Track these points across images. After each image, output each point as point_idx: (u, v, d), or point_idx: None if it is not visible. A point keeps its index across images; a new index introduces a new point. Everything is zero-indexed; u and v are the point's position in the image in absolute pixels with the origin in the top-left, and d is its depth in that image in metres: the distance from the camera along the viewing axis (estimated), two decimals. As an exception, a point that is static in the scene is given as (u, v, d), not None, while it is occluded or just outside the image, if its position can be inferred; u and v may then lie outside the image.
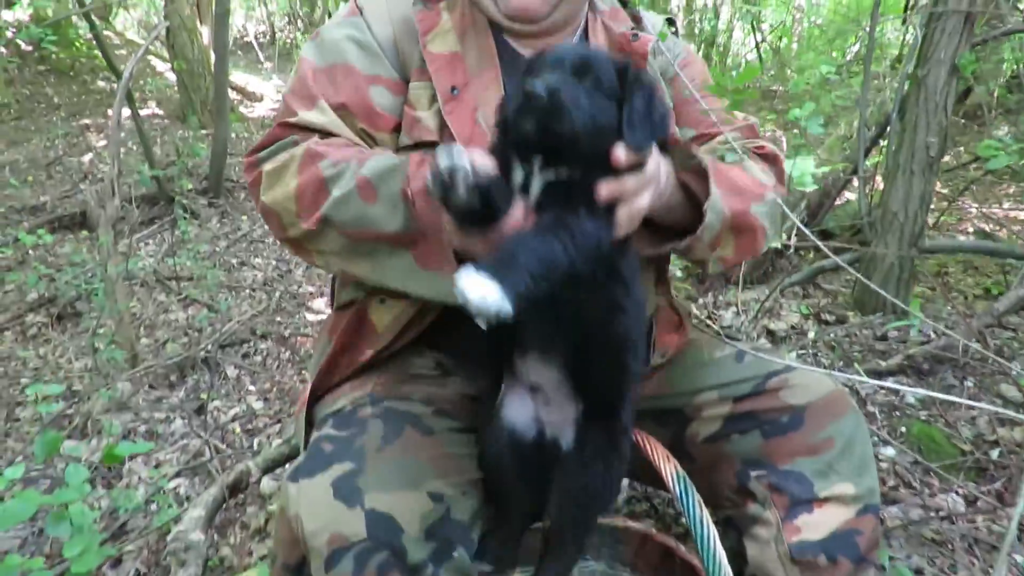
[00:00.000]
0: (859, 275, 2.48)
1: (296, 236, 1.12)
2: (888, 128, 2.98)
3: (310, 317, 3.86)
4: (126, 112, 5.11)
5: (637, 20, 1.37)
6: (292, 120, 1.15)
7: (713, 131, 1.30)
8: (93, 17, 4.41)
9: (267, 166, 1.13)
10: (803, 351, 2.53)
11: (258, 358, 3.43)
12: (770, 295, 2.75)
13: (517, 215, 0.91)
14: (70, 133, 7.08)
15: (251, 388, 3.13)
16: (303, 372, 3.23)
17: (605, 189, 0.92)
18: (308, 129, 1.14)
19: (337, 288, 1.35)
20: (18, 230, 4.89)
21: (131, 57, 7.86)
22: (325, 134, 1.14)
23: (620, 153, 0.91)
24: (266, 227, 1.22)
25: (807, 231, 1.08)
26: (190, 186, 5.56)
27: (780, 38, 11.51)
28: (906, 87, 2.87)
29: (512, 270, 0.78)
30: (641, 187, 0.96)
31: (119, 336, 3.20)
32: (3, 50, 7.74)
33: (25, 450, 2.77)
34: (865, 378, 1.45)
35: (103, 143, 6.66)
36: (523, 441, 1.10)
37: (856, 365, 2.28)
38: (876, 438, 2.05)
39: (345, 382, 1.26)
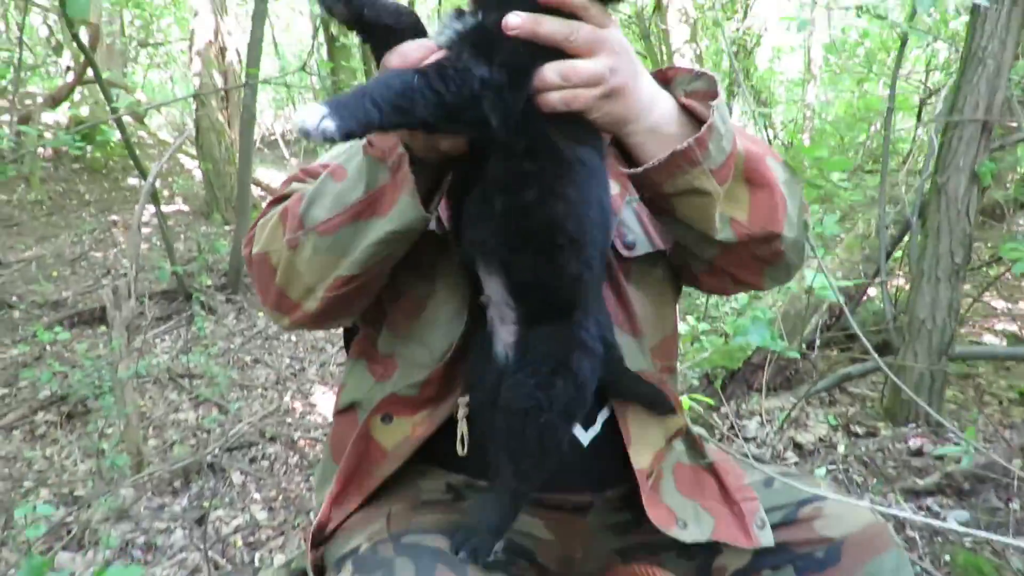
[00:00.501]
0: (893, 377, 2.37)
1: (281, 271, 1.03)
2: (908, 232, 2.93)
3: (320, 420, 3.78)
4: (151, 209, 5.24)
5: None
6: (283, 192, 1.12)
7: None
8: (125, 120, 4.58)
9: (258, 228, 1.09)
10: (833, 466, 2.40)
11: (265, 463, 3.34)
12: (796, 405, 2.64)
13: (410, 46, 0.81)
14: (97, 229, 7.26)
15: (256, 496, 3.03)
16: (310, 479, 3.13)
17: (515, 19, 0.77)
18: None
19: (338, 389, 1.29)
20: (38, 325, 4.95)
21: (160, 158, 8.16)
22: None
23: None
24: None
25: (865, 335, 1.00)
26: (209, 282, 5.62)
27: (792, 135, 11.77)
28: (924, 191, 2.85)
29: (355, 100, 0.72)
30: (590, 43, 0.79)
31: (126, 439, 3.14)
32: (41, 150, 8.08)
33: (20, 562, 2.66)
34: (907, 512, 1.34)
35: (129, 235, 6.81)
36: (494, 370, 0.98)
37: (895, 496, 2.14)
38: (918, 567, 1.89)
39: (354, 513, 1.17)
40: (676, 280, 1.23)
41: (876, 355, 1.77)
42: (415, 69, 0.77)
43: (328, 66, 6.20)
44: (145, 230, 7.12)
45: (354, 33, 0.85)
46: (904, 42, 2.82)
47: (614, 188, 1.13)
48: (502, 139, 0.82)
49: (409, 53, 0.81)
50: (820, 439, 2.58)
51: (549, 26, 0.78)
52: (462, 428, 1.05)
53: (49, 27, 8.18)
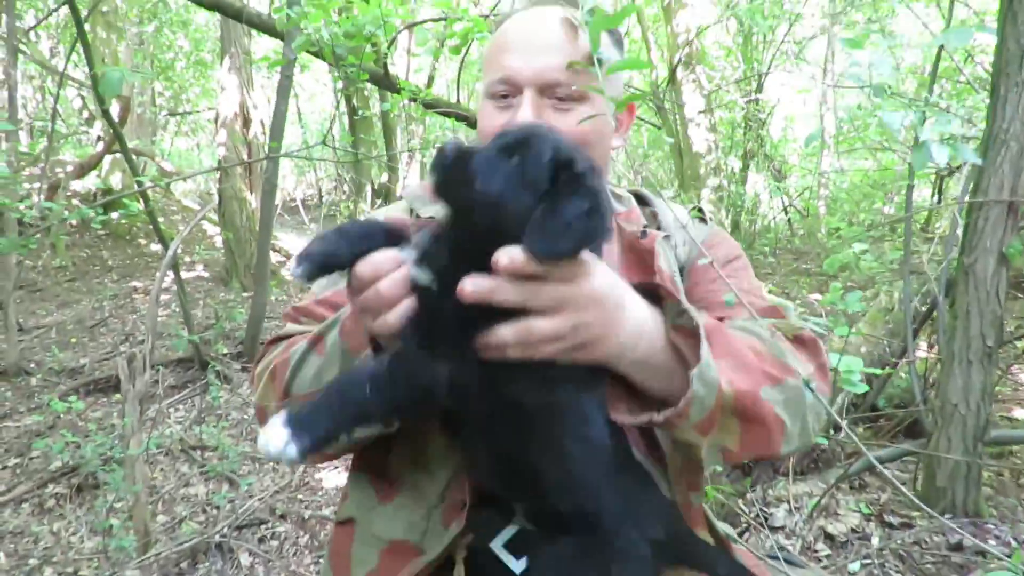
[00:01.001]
0: (926, 449, 2.26)
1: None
2: (935, 310, 2.87)
3: (334, 492, 3.69)
4: (171, 275, 5.28)
5: (655, 216, 1.33)
6: (281, 333, 1.20)
7: (733, 312, 1.13)
8: (149, 192, 4.68)
9: (258, 369, 1.16)
10: (868, 561, 2.27)
11: (275, 543, 3.24)
12: (826, 493, 2.53)
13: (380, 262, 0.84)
14: (118, 295, 7.34)
15: (265, 580, 2.93)
16: (319, 561, 3.03)
17: (471, 286, 0.76)
18: (292, 336, 1.18)
19: (341, 497, 1.27)
20: (55, 392, 4.94)
21: (183, 223, 8.29)
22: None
23: (503, 256, 0.74)
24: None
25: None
26: (225, 350, 5.61)
27: (807, 203, 11.80)
28: (950, 268, 2.80)
29: (315, 416, 0.80)
30: (552, 303, 0.78)
31: (134, 516, 3.07)
32: (66, 213, 8.25)
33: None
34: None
35: (148, 306, 6.86)
36: None
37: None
38: None
39: None
40: None
41: (912, 444, 1.68)
42: (368, 372, 0.83)
43: (349, 139, 6.35)
44: (164, 296, 7.19)
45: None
46: (923, 119, 2.81)
47: None
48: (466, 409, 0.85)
49: (380, 265, 0.84)
50: (852, 529, 2.46)
51: (504, 294, 0.76)
52: (459, 573, 1.01)
53: (82, 98, 8.48)
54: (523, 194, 0.76)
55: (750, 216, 11.17)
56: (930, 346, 3.75)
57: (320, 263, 0.83)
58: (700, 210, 1.36)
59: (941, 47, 2.57)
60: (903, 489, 1.51)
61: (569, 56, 1.11)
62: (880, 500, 2.67)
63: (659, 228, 1.28)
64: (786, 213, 11.47)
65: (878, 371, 2.65)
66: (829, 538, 2.43)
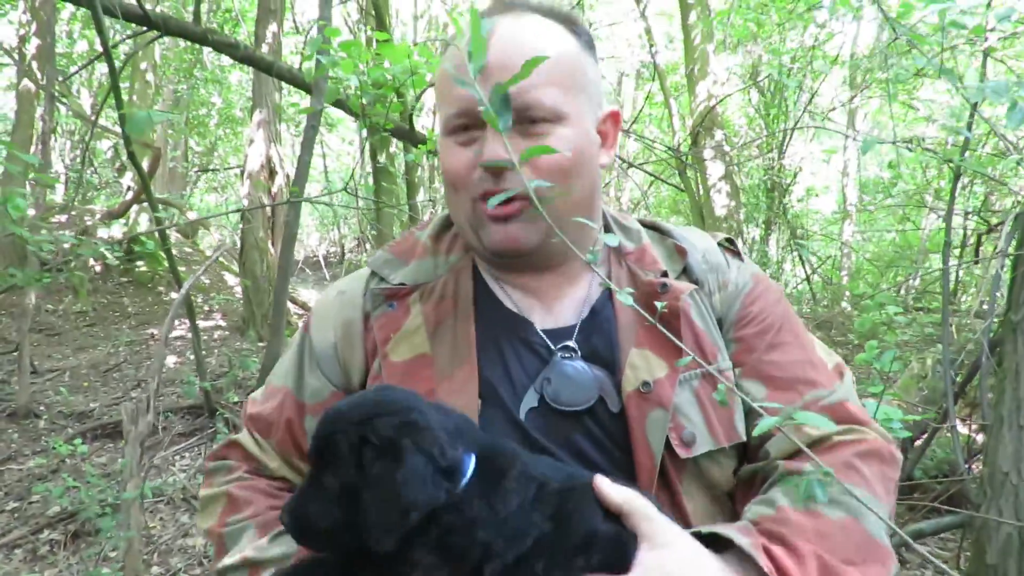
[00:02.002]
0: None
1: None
2: (978, 373, 2.71)
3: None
4: (188, 323, 5.25)
5: (681, 253, 1.09)
6: (235, 438, 1.14)
7: (790, 386, 1.00)
8: (175, 239, 4.69)
9: (203, 491, 1.12)
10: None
11: (271, 600, 3.07)
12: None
13: None
14: (135, 341, 7.33)
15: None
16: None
17: None
18: (246, 453, 1.12)
19: None
20: (62, 436, 4.85)
21: (195, 280, 8.34)
22: (257, 466, 1.11)
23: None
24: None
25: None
26: (236, 399, 5.52)
27: (832, 272, 11.68)
28: (992, 330, 2.66)
29: None
30: None
31: (126, 565, 2.93)
32: (92, 262, 8.36)
33: None
34: None
35: (165, 352, 6.84)
36: None
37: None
38: None
39: None
40: (738, 468, 1.02)
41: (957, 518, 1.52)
42: None
43: (371, 189, 6.39)
44: (180, 344, 7.16)
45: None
46: (957, 175, 2.73)
47: (660, 371, 0.99)
48: None
49: None
50: (896, 611, 2.25)
51: None
52: None
53: (115, 149, 8.71)
54: (354, 502, 0.80)
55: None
56: (969, 414, 3.56)
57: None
58: (731, 241, 1.16)
59: (975, 104, 2.51)
60: (946, 568, 1.36)
61: (540, 72, 0.90)
62: (923, 576, 2.46)
63: (685, 270, 1.07)
64: (808, 282, 11.34)
65: (909, 433, 2.49)
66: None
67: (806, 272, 11.34)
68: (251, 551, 0.99)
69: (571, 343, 1.03)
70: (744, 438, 0.99)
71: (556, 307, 1.07)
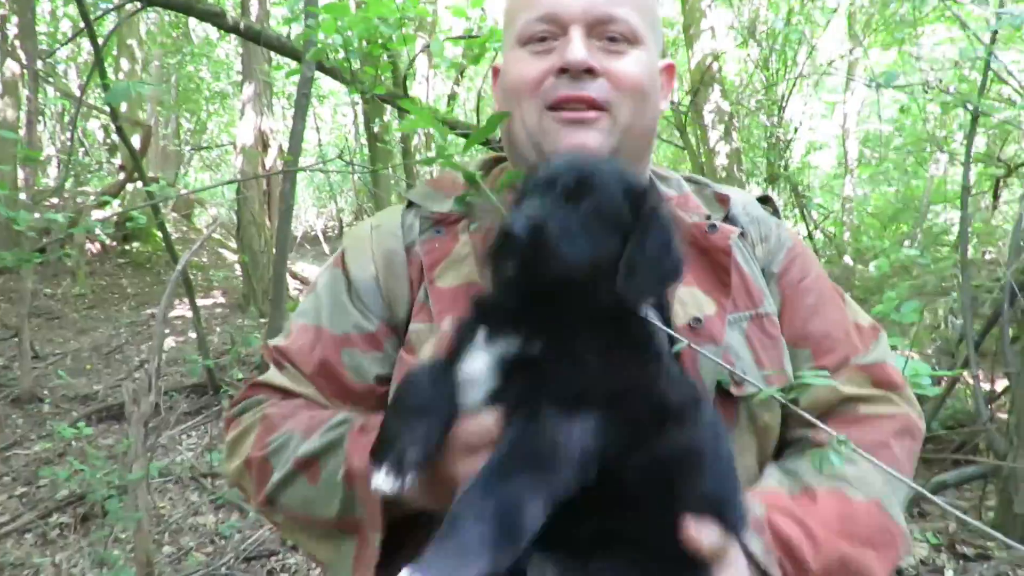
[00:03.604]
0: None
1: (258, 509, 1.00)
2: (999, 320, 2.64)
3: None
4: (188, 303, 5.19)
5: (723, 202, 1.11)
6: (262, 380, 1.06)
7: (835, 361, 1.01)
8: (171, 218, 4.61)
9: (229, 435, 1.04)
10: (942, 596, 2.03)
11: (284, 575, 3.05)
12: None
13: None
14: (135, 322, 7.28)
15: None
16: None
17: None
18: (274, 388, 1.04)
19: None
20: (66, 419, 4.82)
21: (202, 251, 8.24)
22: (291, 395, 1.03)
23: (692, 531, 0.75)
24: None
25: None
26: (240, 376, 5.48)
27: (835, 224, 11.57)
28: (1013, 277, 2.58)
29: (463, 556, 0.62)
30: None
31: (136, 546, 2.90)
32: (89, 245, 8.27)
33: None
34: None
35: (166, 331, 6.79)
36: None
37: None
38: None
39: None
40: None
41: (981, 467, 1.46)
42: (512, 469, 0.69)
43: (367, 157, 6.28)
44: (181, 323, 7.11)
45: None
46: (975, 118, 2.63)
47: (709, 308, 0.99)
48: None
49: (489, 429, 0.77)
50: (922, 562, 2.20)
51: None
52: None
53: (105, 129, 8.56)
54: (609, 241, 0.76)
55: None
56: (988, 365, 3.49)
57: (412, 463, 0.73)
58: (769, 199, 1.18)
59: (994, 34, 2.39)
60: (967, 519, 1.30)
61: None
62: (949, 530, 2.42)
63: (727, 218, 1.09)
64: (811, 238, 11.22)
65: (938, 390, 2.42)
66: (898, 572, 2.17)
67: (808, 229, 11.24)
68: (306, 448, 0.92)
69: None
70: (792, 380, 0.97)
71: None
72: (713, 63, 7.88)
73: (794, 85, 10.32)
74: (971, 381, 2.77)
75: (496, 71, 1.12)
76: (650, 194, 0.80)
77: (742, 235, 1.07)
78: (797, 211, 11.01)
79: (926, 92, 2.57)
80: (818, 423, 0.80)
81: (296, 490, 0.93)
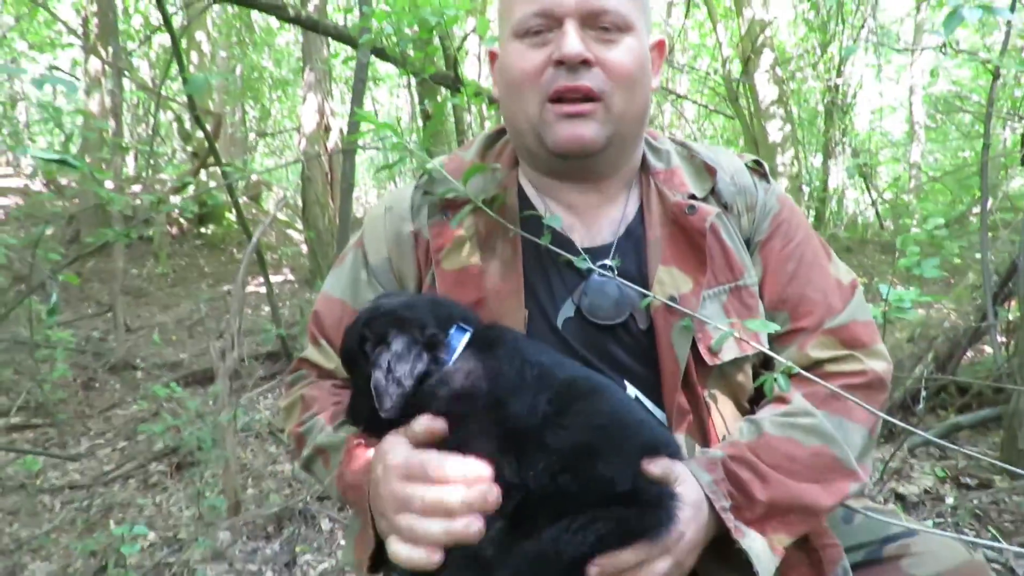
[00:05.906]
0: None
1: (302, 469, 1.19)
2: (1017, 271, 2.74)
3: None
4: (261, 279, 5.61)
5: (711, 171, 1.15)
6: (303, 354, 1.24)
7: (812, 323, 1.10)
8: (241, 201, 5.01)
9: (283, 402, 1.25)
10: (940, 519, 2.19)
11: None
12: (894, 453, 2.46)
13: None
14: (213, 298, 7.83)
15: (342, 542, 3.08)
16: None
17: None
18: (313, 365, 1.22)
19: None
20: (158, 383, 5.34)
21: (269, 232, 8.73)
22: (325, 372, 1.21)
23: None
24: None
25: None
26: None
27: (896, 194, 11.24)
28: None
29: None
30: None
31: (224, 484, 3.30)
32: (168, 228, 8.88)
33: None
34: (1005, 544, 1.22)
35: (234, 288, 7.30)
36: None
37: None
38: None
39: None
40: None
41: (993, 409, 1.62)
42: None
43: (422, 136, 6.59)
44: (254, 298, 7.62)
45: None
46: (996, 76, 2.71)
47: (685, 286, 1.07)
48: None
49: (473, 475, 0.86)
50: (926, 491, 2.37)
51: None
52: None
53: (179, 119, 9.12)
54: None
55: (835, 214, 10.64)
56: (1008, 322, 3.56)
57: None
58: (759, 163, 1.21)
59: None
60: (975, 453, 1.48)
61: None
62: (958, 466, 2.57)
63: (714, 190, 1.14)
64: (874, 206, 10.93)
65: (920, 314, 2.55)
66: (900, 499, 2.35)
67: (872, 198, 10.93)
68: (321, 438, 1.10)
69: (608, 261, 1.11)
70: (767, 347, 1.08)
71: (595, 226, 1.16)
72: (766, 29, 7.81)
73: (854, 45, 10.05)
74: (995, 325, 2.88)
75: (493, 55, 1.18)
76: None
77: (726, 208, 1.13)
78: (859, 180, 10.75)
79: (945, 52, 2.67)
80: (776, 356, 1.00)
81: (318, 468, 1.10)
